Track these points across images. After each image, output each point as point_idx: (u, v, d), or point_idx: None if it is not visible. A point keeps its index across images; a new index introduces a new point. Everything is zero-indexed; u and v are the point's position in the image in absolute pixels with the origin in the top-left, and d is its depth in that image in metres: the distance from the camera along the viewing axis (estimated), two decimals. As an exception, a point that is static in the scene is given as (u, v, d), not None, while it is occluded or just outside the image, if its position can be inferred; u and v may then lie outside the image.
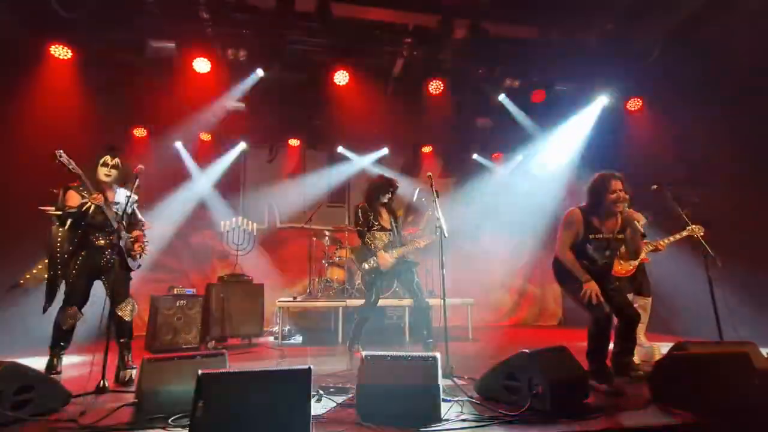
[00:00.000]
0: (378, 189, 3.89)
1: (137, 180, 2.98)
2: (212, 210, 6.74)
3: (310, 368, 1.80)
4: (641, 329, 3.78)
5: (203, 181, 6.77)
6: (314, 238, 6.44)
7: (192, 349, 4.34)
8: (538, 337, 5.72)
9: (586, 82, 5.64)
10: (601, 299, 2.77)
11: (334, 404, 2.18)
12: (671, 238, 3.71)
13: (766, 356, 2.63)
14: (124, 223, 3.11)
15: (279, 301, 5.17)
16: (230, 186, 7.01)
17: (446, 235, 3.14)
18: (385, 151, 7.36)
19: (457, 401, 2.31)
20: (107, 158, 3.07)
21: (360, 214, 3.86)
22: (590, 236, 2.86)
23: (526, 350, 2.33)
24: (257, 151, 7.28)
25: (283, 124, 6.89)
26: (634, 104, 5.69)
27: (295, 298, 5.59)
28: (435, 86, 6.01)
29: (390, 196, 3.92)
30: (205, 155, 6.86)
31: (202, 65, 5.17)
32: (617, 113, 5.88)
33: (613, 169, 2.95)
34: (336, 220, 6.97)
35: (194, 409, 1.67)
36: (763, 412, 2.21)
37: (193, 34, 4.90)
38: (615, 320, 2.95)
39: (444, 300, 2.95)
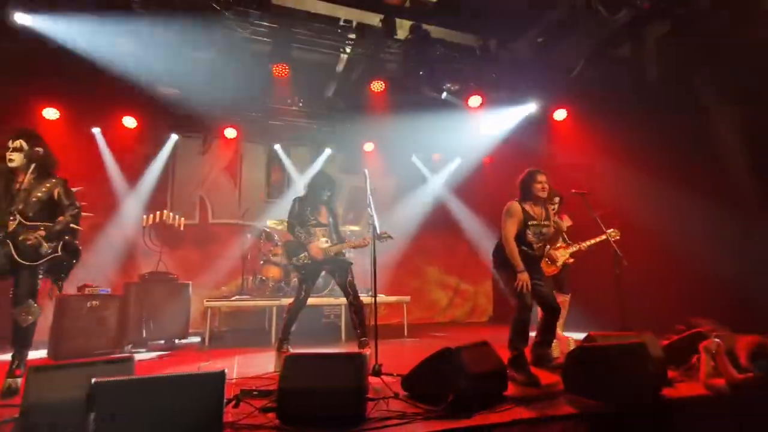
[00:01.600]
0: (319, 185, 3.86)
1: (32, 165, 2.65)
2: (136, 202, 6.21)
3: (223, 372, 1.70)
4: (559, 324, 4.06)
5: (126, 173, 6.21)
6: (249, 235, 6.18)
7: (105, 355, 3.95)
8: (470, 333, 5.93)
9: (518, 90, 5.94)
10: (529, 289, 3.01)
11: (254, 408, 2.07)
12: (592, 241, 4.04)
13: (661, 345, 2.95)
14: (23, 212, 2.74)
15: (207, 301, 4.88)
16: (158, 177, 6.48)
17: (378, 232, 3.15)
18: (327, 151, 7.25)
19: (382, 399, 2.31)
20: (9, 142, 2.75)
21: (296, 206, 3.78)
22: (528, 223, 3.15)
23: (450, 346, 2.39)
24: (189, 142, 6.83)
25: (218, 114, 6.52)
26: (560, 114, 6.11)
27: (225, 297, 5.31)
28: (377, 85, 6.02)
29: (330, 194, 3.89)
30: (129, 145, 6.30)
31: (123, 42, 4.71)
32: (545, 122, 6.28)
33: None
34: (274, 216, 6.72)
35: (85, 422, 1.50)
36: (658, 397, 2.46)
37: (115, 7, 4.44)
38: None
39: (375, 297, 2.95)
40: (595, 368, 2.47)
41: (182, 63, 5.14)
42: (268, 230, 5.92)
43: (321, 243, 3.72)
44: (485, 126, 6.69)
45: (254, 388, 2.44)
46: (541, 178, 3.21)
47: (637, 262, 3.72)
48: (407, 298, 5.69)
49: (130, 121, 6.11)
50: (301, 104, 6.69)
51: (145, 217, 5.31)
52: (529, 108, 6.23)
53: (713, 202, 4.24)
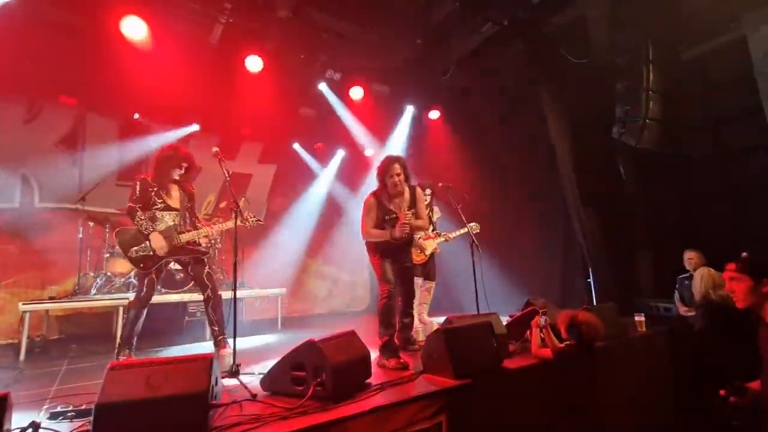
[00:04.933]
0: (167, 161, 3.34)
1: None
2: None
3: (5, 396, 1.32)
4: (425, 308, 4.33)
5: None
6: (91, 224, 5.20)
7: None
8: (346, 323, 5.97)
9: (398, 87, 6.13)
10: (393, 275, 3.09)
11: (61, 434, 1.69)
12: (457, 233, 4.38)
13: (503, 323, 3.33)
14: None
15: (23, 304, 3.95)
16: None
17: (245, 222, 2.89)
18: (195, 127, 6.47)
19: (234, 403, 2.12)
20: None
21: (138, 188, 3.24)
22: (386, 217, 3.12)
23: (314, 338, 2.31)
24: (6, 106, 5.43)
25: (50, 75, 5.30)
26: (434, 114, 6.52)
27: (51, 297, 4.37)
28: (256, 63, 5.58)
29: (182, 171, 3.41)
30: None
31: None
32: (421, 120, 6.64)
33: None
34: (125, 201, 5.77)
35: None
36: (500, 368, 2.76)
37: None
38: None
39: (234, 291, 2.71)
40: (449, 348, 2.66)
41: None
42: (115, 218, 5.05)
43: (167, 236, 3.24)
44: (367, 118, 6.76)
45: (72, 406, 2.01)
46: (395, 169, 3.06)
47: (488, 251, 4.15)
48: (282, 290, 5.45)
49: None
50: (165, 71, 5.83)
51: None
52: (408, 105, 6.50)
53: (546, 202, 5.03)
